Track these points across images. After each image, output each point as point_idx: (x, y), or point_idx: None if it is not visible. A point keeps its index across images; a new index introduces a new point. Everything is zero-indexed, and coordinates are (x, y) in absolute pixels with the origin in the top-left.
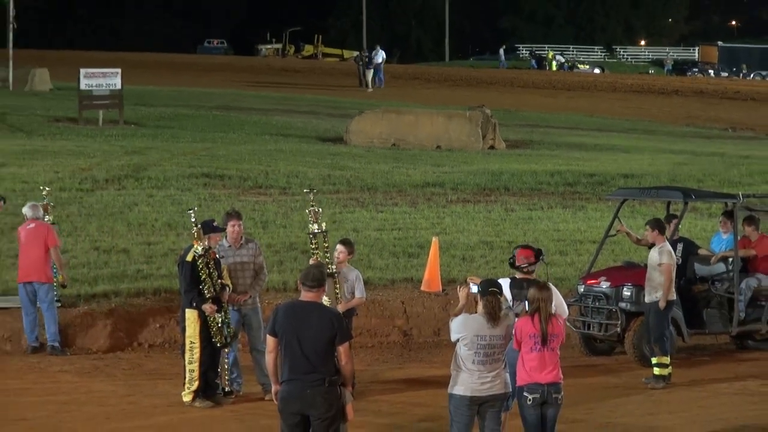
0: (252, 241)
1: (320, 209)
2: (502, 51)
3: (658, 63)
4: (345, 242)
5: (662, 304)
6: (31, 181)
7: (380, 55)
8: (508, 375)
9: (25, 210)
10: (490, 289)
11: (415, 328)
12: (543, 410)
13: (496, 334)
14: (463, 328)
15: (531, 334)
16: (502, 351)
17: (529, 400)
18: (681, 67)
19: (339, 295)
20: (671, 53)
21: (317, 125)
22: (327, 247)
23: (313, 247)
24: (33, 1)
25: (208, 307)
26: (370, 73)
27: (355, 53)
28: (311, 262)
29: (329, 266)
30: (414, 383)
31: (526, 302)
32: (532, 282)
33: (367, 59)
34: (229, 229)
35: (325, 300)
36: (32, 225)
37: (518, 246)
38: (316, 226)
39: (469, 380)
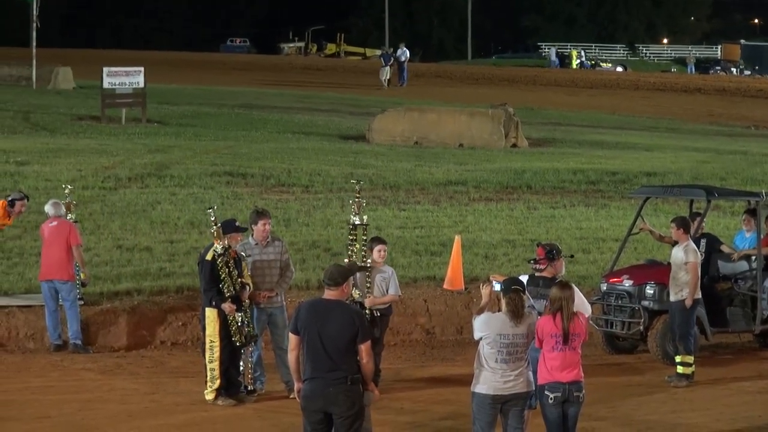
0: (278, 239)
1: (364, 202)
2: (554, 51)
3: (681, 61)
4: (384, 241)
5: (689, 303)
6: (55, 180)
7: (404, 54)
8: (531, 373)
9: (47, 208)
10: (513, 287)
11: (438, 326)
12: (564, 409)
13: (519, 332)
14: (486, 326)
15: (552, 334)
16: (525, 349)
17: (551, 398)
18: (703, 66)
19: (369, 289)
20: (694, 52)
21: (339, 123)
22: (365, 240)
23: (351, 238)
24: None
25: (227, 306)
26: (384, 71)
27: (378, 51)
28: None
29: (364, 260)
30: (436, 381)
31: (549, 301)
32: (549, 280)
33: (383, 57)
34: (260, 227)
35: (356, 293)
36: (54, 223)
37: (537, 243)
38: (357, 218)
39: (492, 379)
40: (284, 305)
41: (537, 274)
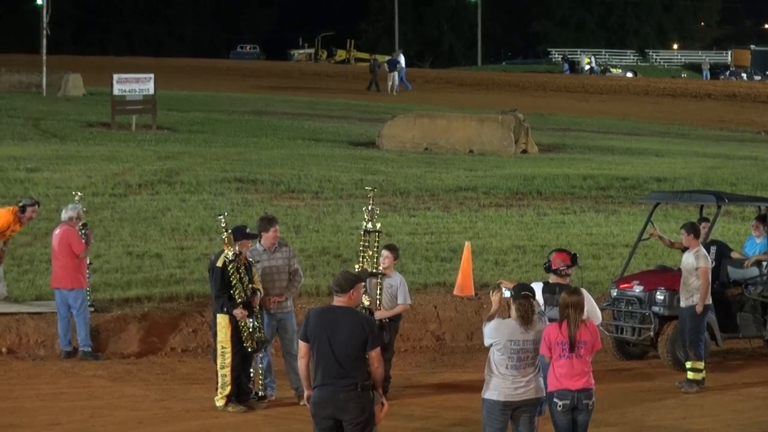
0: (285, 244)
1: (377, 209)
2: (584, 58)
3: (691, 67)
4: (391, 247)
5: (699, 309)
6: (65, 186)
7: (401, 59)
8: (541, 380)
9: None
10: (523, 293)
11: (448, 332)
12: (574, 416)
13: (529, 338)
14: (496, 333)
15: (559, 341)
16: (536, 356)
17: (560, 406)
18: (714, 71)
19: (379, 296)
20: (707, 58)
21: (349, 130)
22: (377, 247)
23: (364, 245)
24: (66, 6)
25: (239, 312)
26: (391, 77)
27: (387, 57)
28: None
29: (375, 266)
30: (447, 388)
31: (559, 306)
32: (564, 287)
33: (388, 64)
34: (271, 234)
35: (366, 300)
36: (57, 231)
37: (553, 250)
38: (370, 225)
39: (502, 385)
40: (293, 311)
41: (552, 280)
